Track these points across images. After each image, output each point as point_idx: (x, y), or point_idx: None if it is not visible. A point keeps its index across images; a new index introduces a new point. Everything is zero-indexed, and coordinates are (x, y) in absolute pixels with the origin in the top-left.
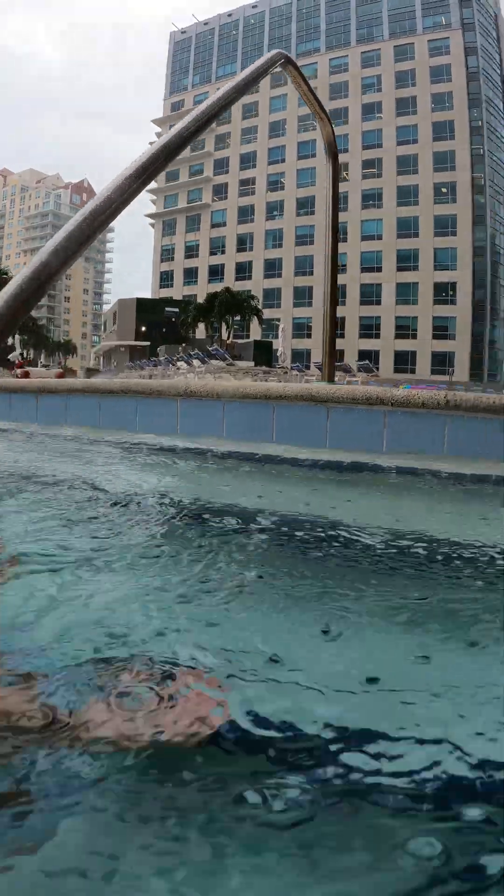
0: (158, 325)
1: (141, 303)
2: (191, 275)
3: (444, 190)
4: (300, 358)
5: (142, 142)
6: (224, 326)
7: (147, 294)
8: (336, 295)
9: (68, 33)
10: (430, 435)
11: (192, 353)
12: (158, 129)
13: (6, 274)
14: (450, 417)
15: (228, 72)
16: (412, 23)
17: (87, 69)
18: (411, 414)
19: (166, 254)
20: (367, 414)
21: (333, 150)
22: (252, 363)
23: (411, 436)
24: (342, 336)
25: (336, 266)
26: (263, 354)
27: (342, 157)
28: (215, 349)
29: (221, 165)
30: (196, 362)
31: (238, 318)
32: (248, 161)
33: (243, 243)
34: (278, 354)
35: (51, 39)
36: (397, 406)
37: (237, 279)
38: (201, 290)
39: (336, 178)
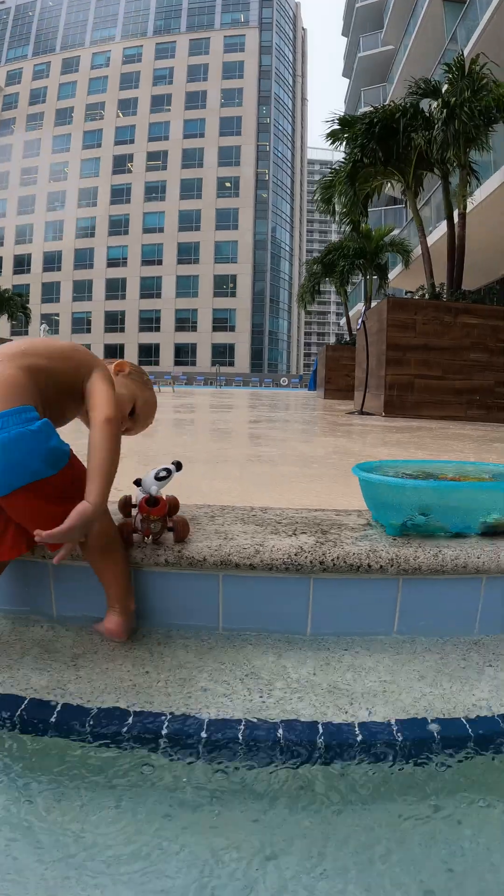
0: None
1: None
2: None
3: (227, 184)
4: None
5: None
6: None
7: None
8: None
9: None
10: None
11: None
12: None
13: None
14: None
15: (20, 54)
16: (211, 18)
17: None
18: None
19: None
20: None
21: None
22: None
23: None
24: (122, 330)
25: None
26: None
27: (128, 148)
28: None
29: (4, 152)
30: None
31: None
32: (31, 149)
33: (22, 235)
34: None
35: None
36: None
37: (15, 273)
38: None
39: None
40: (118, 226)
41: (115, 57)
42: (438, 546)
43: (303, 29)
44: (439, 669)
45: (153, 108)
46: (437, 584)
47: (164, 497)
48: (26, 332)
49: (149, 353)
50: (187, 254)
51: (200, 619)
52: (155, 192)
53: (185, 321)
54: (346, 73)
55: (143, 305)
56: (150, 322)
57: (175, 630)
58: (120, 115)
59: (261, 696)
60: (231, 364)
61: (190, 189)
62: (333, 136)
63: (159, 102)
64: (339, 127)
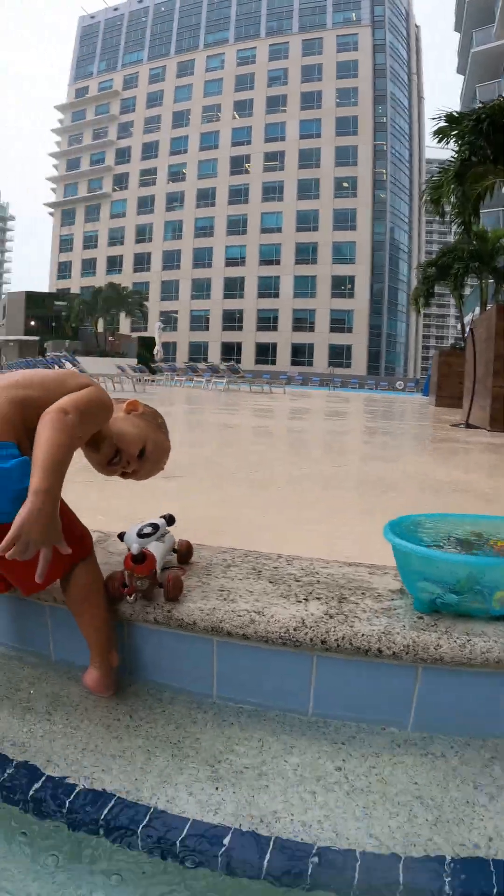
0: (48, 320)
1: (30, 297)
2: (89, 266)
3: (345, 184)
4: (198, 351)
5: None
6: (103, 322)
7: (45, 286)
8: None
9: None
10: None
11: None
12: (61, 116)
13: None
14: None
15: (135, 59)
16: (322, 17)
17: None
18: None
19: (65, 244)
20: None
21: None
22: (134, 360)
23: None
24: (240, 329)
25: None
26: (149, 351)
27: (245, 149)
28: (65, 354)
29: (123, 155)
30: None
31: (123, 313)
32: (150, 151)
33: (142, 234)
34: (155, 352)
35: None
36: None
37: (135, 271)
38: (99, 281)
39: None
40: (236, 225)
41: (228, 59)
42: (469, 634)
43: (416, 26)
44: (445, 785)
45: (268, 109)
46: (465, 676)
47: (175, 542)
48: (145, 329)
49: (266, 352)
50: (305, 254)
51: (194, 683)
52: (272, 192)
53: (303, 321)
54: (460, 70)
55: (260, 304)
56: (267, 321)
57: (167, 692)
58: (236, 116)
59: (215, 791)
60: (348, 365)
61: (307, 189)
62: (441, 133)
63: (274, 103)
64: (446, 124)
